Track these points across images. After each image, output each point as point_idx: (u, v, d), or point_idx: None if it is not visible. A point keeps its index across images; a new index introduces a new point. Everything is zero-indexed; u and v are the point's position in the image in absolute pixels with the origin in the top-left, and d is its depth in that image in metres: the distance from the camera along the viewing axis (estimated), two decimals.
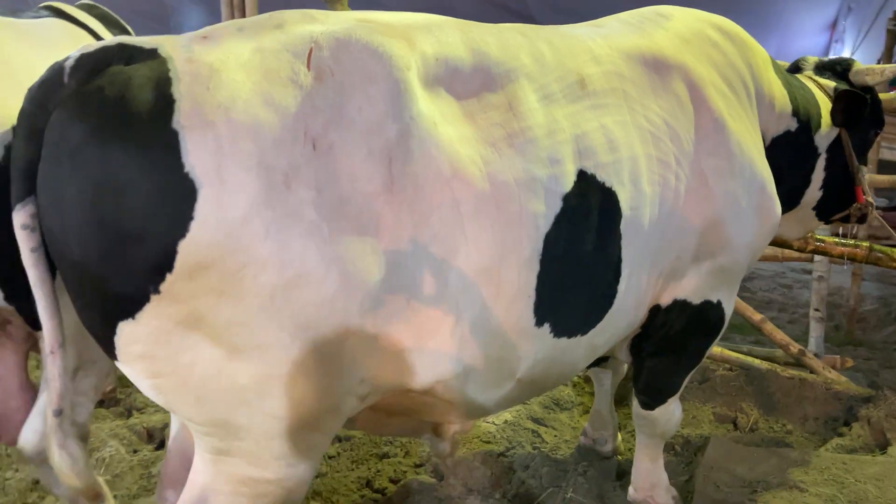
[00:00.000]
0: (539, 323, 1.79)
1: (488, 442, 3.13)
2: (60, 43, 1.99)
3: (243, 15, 3.72)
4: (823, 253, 3.27)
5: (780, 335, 4.04)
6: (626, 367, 3.05)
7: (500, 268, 1.68)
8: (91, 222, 1.38)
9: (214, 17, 3.76)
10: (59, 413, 1.65)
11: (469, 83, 1.71)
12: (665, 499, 2.64)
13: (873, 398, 3.33)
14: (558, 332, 1.85)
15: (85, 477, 1.76)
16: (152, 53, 1.44)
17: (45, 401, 1.75)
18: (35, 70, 1.56)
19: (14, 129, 1.51)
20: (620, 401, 3.61)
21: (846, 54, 8.00)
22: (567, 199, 1.78)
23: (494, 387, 1.84)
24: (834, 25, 9.49)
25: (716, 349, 3.79)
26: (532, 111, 1.78)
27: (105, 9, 2.61)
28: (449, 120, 1.64)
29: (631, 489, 2.70)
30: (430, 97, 1.62)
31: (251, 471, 1.60)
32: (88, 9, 2.45)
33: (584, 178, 1.82)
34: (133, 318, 1.43)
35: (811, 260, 4.61)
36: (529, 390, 2.01)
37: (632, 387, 2.61)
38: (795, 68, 2.80)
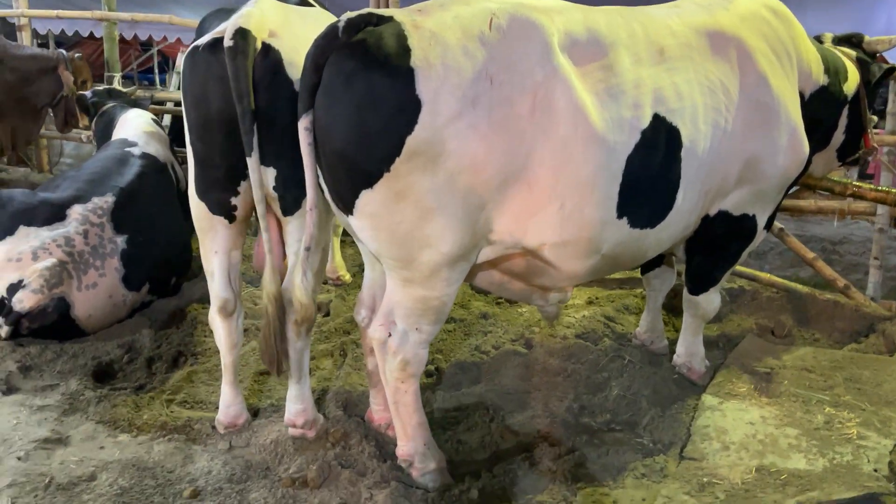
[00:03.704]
0: (619, 217, 2.51)
1: (568, 327, 4.06)
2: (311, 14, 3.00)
3: None
4: (860, 197, 3.92)
5: (828, 271, 4.63)
6: (674, 278, 3.78)
7: (595, 177, 2.38)
8: (354, 123, 2.10)
9: None
10: (308, 249, 2.48)
11: (585, 51, 2.46)
12: (700, 366, 3.47)
13: (894, 317, 3.99)
14: (633, 224, 2.59)
15: (311, 299, 2.60)
16: (390, 19, 2.19)
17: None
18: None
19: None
20: (678, 311, 4.41)
21: None
22: (644, 133, 2.51)
23: (585, 258, 2.54)
24: None
25: (764, 275, 4.51)
26: (625, 71, 2.52)
27: None
28: (574, 74, 2.39)
29: (675, 356, 3.56)
30: (563, 57, 2.37)
31: (425, 291, 2.40)
32: None
33: (657, 118, 2.55)
34: (371, 187, 2.17)
35: (874, 213, 5.12)
36: (611, 265, 2.77)
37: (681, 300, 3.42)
38: (818, 41, 3.40)
